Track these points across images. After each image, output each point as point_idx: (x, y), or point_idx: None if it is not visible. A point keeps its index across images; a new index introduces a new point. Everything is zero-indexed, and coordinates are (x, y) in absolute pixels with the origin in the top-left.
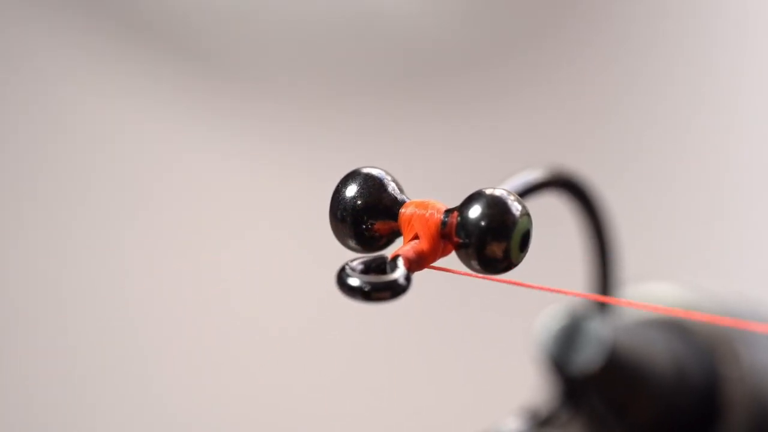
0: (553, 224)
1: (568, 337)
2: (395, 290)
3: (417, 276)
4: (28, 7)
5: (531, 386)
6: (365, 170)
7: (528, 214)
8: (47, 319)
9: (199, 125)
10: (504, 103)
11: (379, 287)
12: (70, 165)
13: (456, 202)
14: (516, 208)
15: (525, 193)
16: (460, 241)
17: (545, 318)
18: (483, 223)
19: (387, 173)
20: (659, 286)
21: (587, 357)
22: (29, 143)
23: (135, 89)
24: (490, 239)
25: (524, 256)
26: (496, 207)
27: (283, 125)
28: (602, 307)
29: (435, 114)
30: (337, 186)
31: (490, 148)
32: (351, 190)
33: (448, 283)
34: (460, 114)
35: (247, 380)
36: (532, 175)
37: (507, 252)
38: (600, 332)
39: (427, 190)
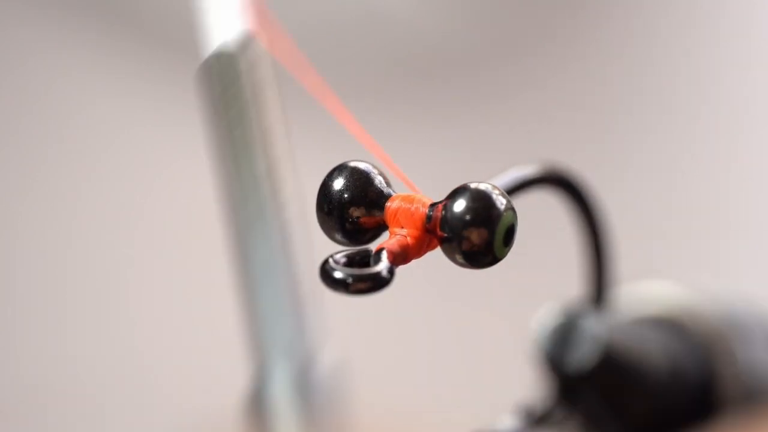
0: (547, 222)
1: (564, 335)
2: (378, 283)
3: (412, 274)
4: (27, 7)
5: (526, 384)
6: (352, 164)
7: (513, 209)
8: (47, 319)
9: (197, 125)
10: (500, 103)
11: (361, 279)
12: (68, 164)
13: None
14: (500, 202)
15: (518, 189)
16: (445, 235)
17: (540, 316)
18: (467, 217)
19: (374, 167)
20: (655, 285)
21: (582, 355)
22: (27, 143)
23: (134, 89)
24: (474, 233)
25: (509, 250)
26: (481, 201)
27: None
28: (598, 305)
29: (430, 114)
30: (324, 179)
31: (486, 148)
32: (338, 184)
33: (442, 280)
34: (456, 114)
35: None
36: (525, 171)
37: (490, 246)
38: (595, 330)
39: (425, 191)
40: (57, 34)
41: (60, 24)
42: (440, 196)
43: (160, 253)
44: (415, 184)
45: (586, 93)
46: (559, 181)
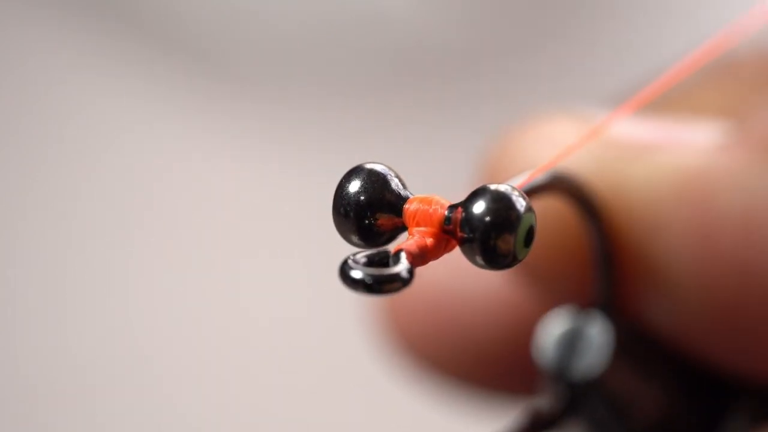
0: None
1: (570, 342)
2: (398, 283)
3: (415, 273)
4: (27, 7)
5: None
6: (368, 165)
7: (532, 210)
8: (47, 319)
9: (197, 125)
10: (500, 103)
11: (381, 280)
12: (68, 164)
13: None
14: (520, 203)
15: (527, 194)
16: (464, 236)
17: (546, 322)
18: (487, 218)
19: (390, 169)
20: None
21: (589, 362)
22: (27, 143)
23: (134, 89)
24: (495, 234)
25: (528, 251)
26: (501, 202)
27: (284, 125)
28: (605, 311)
29: (430, 114)
30: (341, 181)
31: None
32: (354, 186)
33: None
34: (456, 114)
35: (248, 379)
36: (535, 176)
37: (511, 247)
38: (602, 337)
39: (426, 191)
40: (57, 34)
41: (60, 24)
42: (442, 196)
43: (161, 254)
44: (416, 185)
45: (586, 93)
46: (567, 186)
